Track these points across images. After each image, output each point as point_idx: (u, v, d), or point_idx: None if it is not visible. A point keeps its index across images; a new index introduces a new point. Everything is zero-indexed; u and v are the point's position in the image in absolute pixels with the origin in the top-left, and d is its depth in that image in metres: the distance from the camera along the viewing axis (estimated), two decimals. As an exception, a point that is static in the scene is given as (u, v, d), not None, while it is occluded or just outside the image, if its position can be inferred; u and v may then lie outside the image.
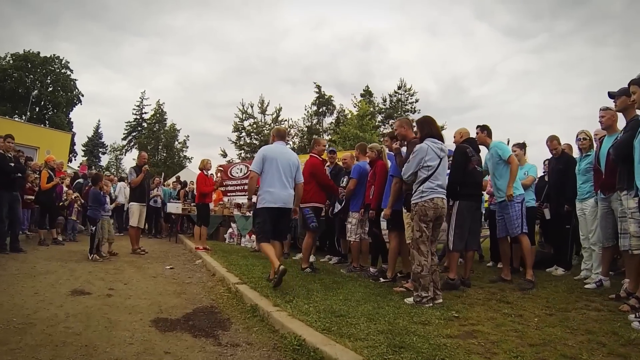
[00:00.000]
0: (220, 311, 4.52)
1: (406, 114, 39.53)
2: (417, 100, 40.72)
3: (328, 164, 8.76)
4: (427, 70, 67.72)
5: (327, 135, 41.86)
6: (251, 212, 8.87)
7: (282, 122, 40.47)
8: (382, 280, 5.94)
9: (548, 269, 6.94)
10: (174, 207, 13.00)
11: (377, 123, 37.13)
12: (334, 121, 41.77)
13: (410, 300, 4.58)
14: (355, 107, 34.80)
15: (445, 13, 74.45)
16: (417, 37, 71.25)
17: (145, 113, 50.86)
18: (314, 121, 42.18)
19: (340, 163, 8.59)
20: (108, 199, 8.87)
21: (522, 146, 7.16)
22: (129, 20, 78.43)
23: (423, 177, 4.68)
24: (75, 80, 48.38)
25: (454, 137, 6.22)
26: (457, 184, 5.59)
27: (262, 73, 69.36)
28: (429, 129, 4.93)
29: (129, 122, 51.49)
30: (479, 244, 6.60)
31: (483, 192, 6.95)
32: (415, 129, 5.40)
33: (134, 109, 51.46)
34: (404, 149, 5.65)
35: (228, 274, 6.26)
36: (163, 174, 19.83)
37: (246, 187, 13.80)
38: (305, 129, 41.43)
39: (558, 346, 3.17)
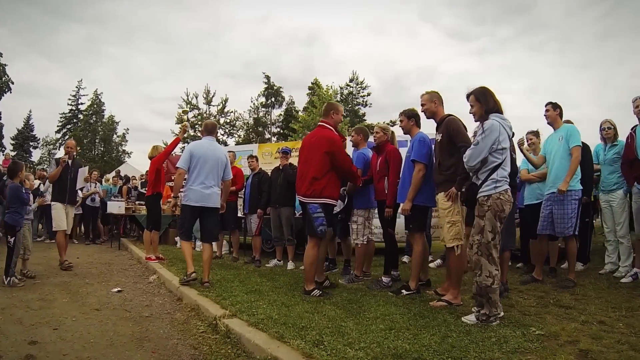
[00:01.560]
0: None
1: (357, 107, 39.48)
2: (369, 94, 41.07)
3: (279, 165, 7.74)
4: (370, 68, 69.56)
5: (276, 127, 41.14)
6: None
7: (228, 114, 39.71)
8: (405, 292, 4.88)
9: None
10: (116, 207, 11.05)
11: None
12: (283, 113, 41.56)
13: (470, 319, 3.71)
14: (316, 96, 33.30)
15: (391, 12, 76.20)
16: (362, 35, 71.69)
17: (82, 104, 47.70)
18: (261, 113, 41.30)
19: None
20: (31, 197, 6.57)
21: (537, 134, 6.53)
22: (67, 5, 72.80)
23: (496, 162, 3.77)
24: (5, 65, 43.68)
25: None
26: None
27: (203, 67, 67.93)
28: (494, 102, 3.90)
29: (63, 113, 47.98)
30: (514, 243, 5.65)
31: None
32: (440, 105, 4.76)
33: (69, 99, 48.08)
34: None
35: (201, 298, 4.63)
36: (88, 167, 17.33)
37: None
38: (252, 121, 40.39)
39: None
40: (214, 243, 6.41)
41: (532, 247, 6.25)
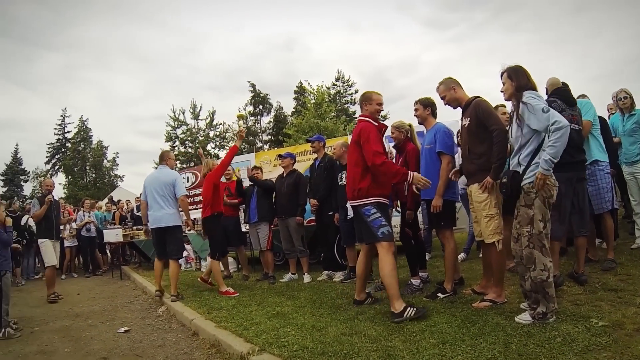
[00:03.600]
0: None
1: (346, 105, 39.30)
2: (356, 91, 40.35)
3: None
4: (352, 64, 68.99)
5: (267, 135, 40.84)
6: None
7: (217, 126, 39.50)
8: (441, 296, 4.50)
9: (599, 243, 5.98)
10: (113, 235, 10.56)
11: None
12: (272, 119, 41.27)
13: (526, 318, 3.41)
14: (310, 95, 32.97)
15: (366, 8, 75.80)
16: (340, 34, 70.84)
17: (69, 132, 46.67)
18: (250, 122, 41.07)
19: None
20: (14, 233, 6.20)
21: None
22: (39, 34, 70.26)
23: (538, 144, 3.49)
24: (-18, 100, 43.20)
25: (545, 90, 4.73)
26: None
27: (184, 82, 65.88)
28: (525, 80, 3.61)
29: (51, 143, 46.90)
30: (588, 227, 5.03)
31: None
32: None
33: (55, 129, 46.96)
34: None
35: (220, 331, 4.09)
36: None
37: (196, 198, 12.41)
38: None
39: None
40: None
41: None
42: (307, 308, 4.67)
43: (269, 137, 41.24)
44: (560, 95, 4.50)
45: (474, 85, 64.82)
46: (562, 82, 4.66)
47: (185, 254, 9.91)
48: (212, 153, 38.90)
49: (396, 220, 5.55)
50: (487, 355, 2.78)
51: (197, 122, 38.99)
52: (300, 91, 37.91)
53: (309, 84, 34.08)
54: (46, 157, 47.20)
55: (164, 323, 5.22)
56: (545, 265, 3.38)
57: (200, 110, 38.96)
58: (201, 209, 6.99)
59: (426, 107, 4.83)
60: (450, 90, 4.31)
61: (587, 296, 3.88)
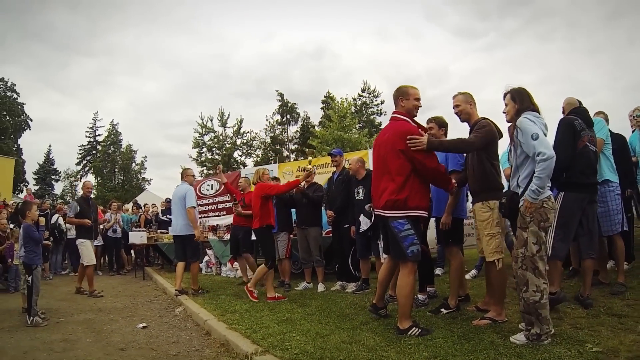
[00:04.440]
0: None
1: (372, 116, 39.28)
2: (382, 102, 40.51)
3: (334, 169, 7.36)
4: (380, 74, 67.12)
5: (293, 144, 41.07)
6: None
7: (245, 134, 39.76)
8: (444, 311, 4.58)
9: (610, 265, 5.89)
10: (138, 237, 10.89)
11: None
12: (299, 129, 41.50)
13: (520, 338, 3.44)
14: (332, 109, 32.93)
15: (395, 17, 75.53)
16: (369, 42, 70.57)
17: (99, 135, 48.16)
18: (277, 131, 41.31)
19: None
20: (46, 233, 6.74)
21: None
22: (75, 40, 72.78)
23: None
24: (23, 104, 44.53)
25: (562, 109, 4.79)
26: (563, 169, 4.20)
27: (213, 88, 67.15)
28: (527, 101, 3.68)
29: (82, 145, 48.56)
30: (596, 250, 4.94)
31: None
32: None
33: (87, 131, 48.64)
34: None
35: (231, 332, 4.35)
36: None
37: (219, 205, 12.86)
38: (269, 139, 40.39)
39: None
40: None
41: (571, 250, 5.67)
42: (315, 316, 4.85)
43: (296, 146, 41.52)
44: (581, 115, 4.48)
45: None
46: (578, 102, 4.69)
47: (206, 258, 10.26)
48: (239, 161, 39.38)
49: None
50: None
51: (225, 130, 39.55)
52: (328, 101, 37.97)
53: (331, 97, 34.55)
54: (77, 158, 48.88)
55: (180, 322, 5.51)
56: (539, 286, 3.40)
57: (228, 117, 39.50)
58: (232, 216, 7.93)
59: (441, 127, 4.92)
60: (467, 103, 4.34)
61: (589, 320, 3.88)
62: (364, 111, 40.10)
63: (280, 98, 41.55)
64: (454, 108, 4.43)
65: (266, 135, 41.07)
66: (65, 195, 47.63)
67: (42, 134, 72.93)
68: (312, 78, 63.38)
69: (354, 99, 38.94)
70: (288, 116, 41.85)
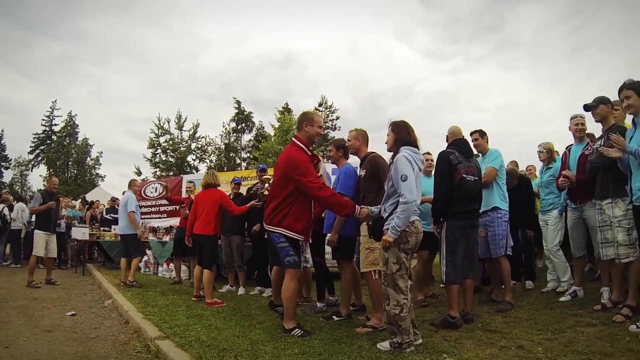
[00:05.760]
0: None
1: (326, 131, 39.73)
2: (337, 118, 41.06)
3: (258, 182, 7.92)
4: (346, 88, 67.95)
5: (246, 153, 41.23)
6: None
7: (200, 139, 40.24)
8: (335, 318, 5.07)
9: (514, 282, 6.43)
10: (80, 233, 11.43)
11: None
12: (252, 138, 41.62)
13: (385, 345, 3.79)
14: (278, 122, 34.04)
15: (366, 33, 76.06)
16: (337, 55, 70.68)
17: (56, 125, 46.89)
18: (232, 138, 41.47)
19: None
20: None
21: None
22: (43, 20, 69.42)
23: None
24: (-23, 80, 43.20)
25: (446, 137, 5.33)
26: (444, 201, 4.76)
27: (180, 87, 65.71)
28: (405, 134, 4.06)
29: (37, 134, 46.95)
30: (477, 271, 5.68)
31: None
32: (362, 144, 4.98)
33: (43, 119, 47.05)
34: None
35: (144, 321, 5.09)
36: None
37: (161, 208, 13.51)
38: (223, 146, 40.67)
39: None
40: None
41: (489, 269, 6.32)
42: (224, 314, 5.55)
43: (248, 154, 41.57)
44: (460, 148, 4.90)
45: (467, 118, 65.87)
46: (462, 135, 5.15)
47: (145, 258, 10.87)
48: (192, 165, 39.41)
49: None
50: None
51: (181, 133, 39.65)
52: (285, 112, 37.92)
53: (288, 110, 35.19)
54: (30, 147, 47.03)
55: (107, 312, 6.21)
56: (398, 301, 3.74)
57: (185, 121, 39.66)
58: (175, 219, 8.70)
59: (339, 149, 5.34)
60: (357, 140, 4.99)
61: (461, 334, 4.20)
62: (320, 126, 40.57)
63: (237, 106, 41.89)
64: (347, 141, 5.15)
65: (221, 142, 41.36)
66: (15, 184, 46.12)
67: (-4, 115, 69.71)
68: (278, 87, 63.45)
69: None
70: (243, 124, 42.11)
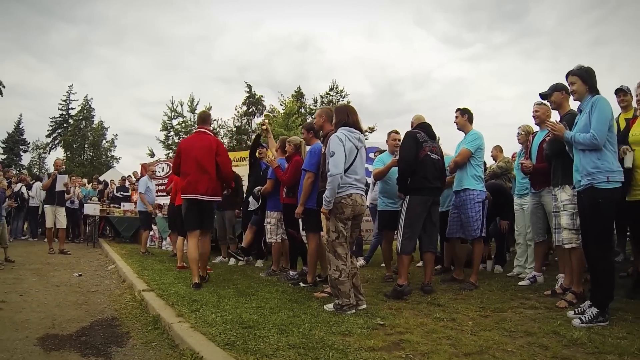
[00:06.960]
0: (120, 324, 4.21)
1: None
2: (349, 103, 40.71)
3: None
4: (364, 74, 68.07)
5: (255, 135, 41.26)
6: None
7: (212, 122, 39.81)
8: (302, 285, 5.61)
9: (484, 266, 6.81)
10: (92, 209, 12.36)
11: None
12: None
13: (330, 307, 4.22)
14: (281, 105, 34.64)
15: (385, 18, 76.23)
16: (355, 40, 71.62)
17: (72, 109, 48.24)
18: (244, 121, 41.83)
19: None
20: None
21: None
22: (58, 4, 72.17)
23: None
24: (-6, 65, 44.02)
25: (411, 123, 5.73)
26: (407, 175, 5.07)
27: (195, 70, 67.24)
28: (344, 116, 4.51)
29: (54, 117, 48.46)
30: (436, 245, 5.91)
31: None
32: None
33: (60, 104, 48.50)
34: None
35: (137, 279, 5.98)
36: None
37: (168, 188, 13.97)
38: (235, 129, 41.08)
39: (497, 352, 2.95)
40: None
41: (445, 249, 6.72)
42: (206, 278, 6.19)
43: (259, 137, 41.66)
44: (424, 130, 5.25)
45: (484, 107, 64.74)
46: (425, 120, 5.50)
47: (151, 233, 11.78)
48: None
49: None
50: (271, 318, 3.82)
51: (194, 116, 39.42)
52: (298, 96, 38.63)
53: (300, 93, 35.40)
54: (48, 130, 48.45)
55: (109, 274, 7.17)
56: (338, 267, 4.14)
57: (197, 104, 39.56)
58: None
59: (309, 131, 5.90)
60: (321, 117, 5.18)
61: (406, 304, 4.47)
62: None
63: (248, 89, 41.83)
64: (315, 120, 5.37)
65: (233, 125, 41.82)
66: (33, 167, 47.40)
67: (13, 99, 70.67)
68: (294, 69, 63.59)
69: (321, 97, 39.80)
70: (254, 108, 41.99)
